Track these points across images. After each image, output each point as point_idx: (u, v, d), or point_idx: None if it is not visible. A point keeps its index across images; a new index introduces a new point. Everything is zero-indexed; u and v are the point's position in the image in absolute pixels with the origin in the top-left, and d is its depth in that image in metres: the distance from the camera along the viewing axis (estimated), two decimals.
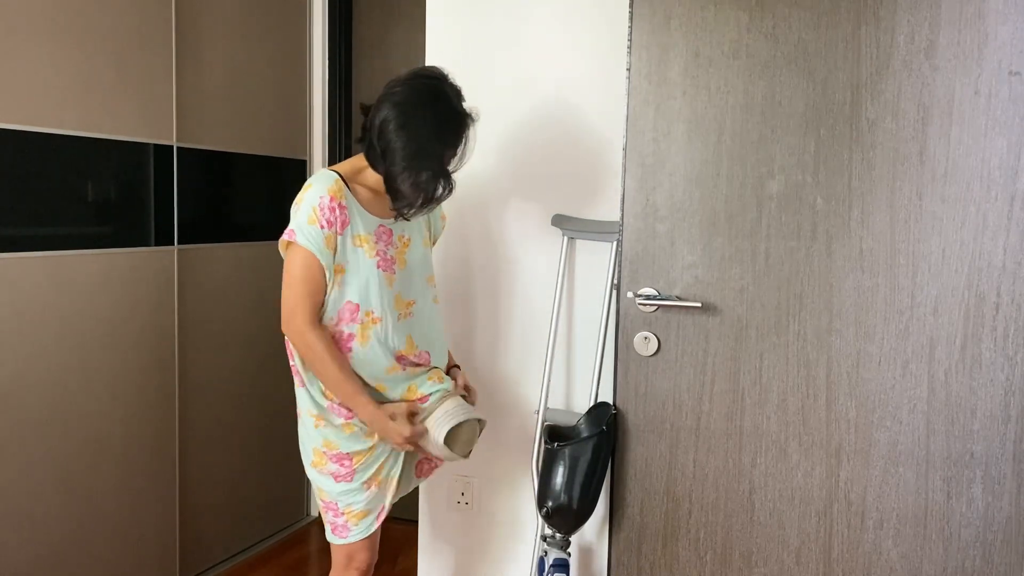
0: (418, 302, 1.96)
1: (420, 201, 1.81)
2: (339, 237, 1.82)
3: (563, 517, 1.93)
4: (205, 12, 2.80)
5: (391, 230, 1.91)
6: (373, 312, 1.87)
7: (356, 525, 1.93)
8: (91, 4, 2.38)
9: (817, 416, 1.76)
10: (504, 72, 2.32)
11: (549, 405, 2.33)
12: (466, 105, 1.84)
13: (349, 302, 1.85)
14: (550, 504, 1.92)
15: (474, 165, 2.38)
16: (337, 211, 1.80)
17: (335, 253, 1.82)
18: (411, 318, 1.95)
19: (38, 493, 2.31)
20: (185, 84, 2.72)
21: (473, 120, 1.84)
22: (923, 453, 1.69)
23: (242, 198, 3.04)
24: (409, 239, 1.96)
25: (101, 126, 2.43)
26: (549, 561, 2.03)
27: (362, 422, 1.89)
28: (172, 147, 2.69)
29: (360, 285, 1.85)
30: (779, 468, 1.79)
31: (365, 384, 1.88)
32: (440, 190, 1.82)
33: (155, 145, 2.62)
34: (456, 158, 1.84)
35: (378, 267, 1.86)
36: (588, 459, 1.91)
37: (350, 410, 1.88)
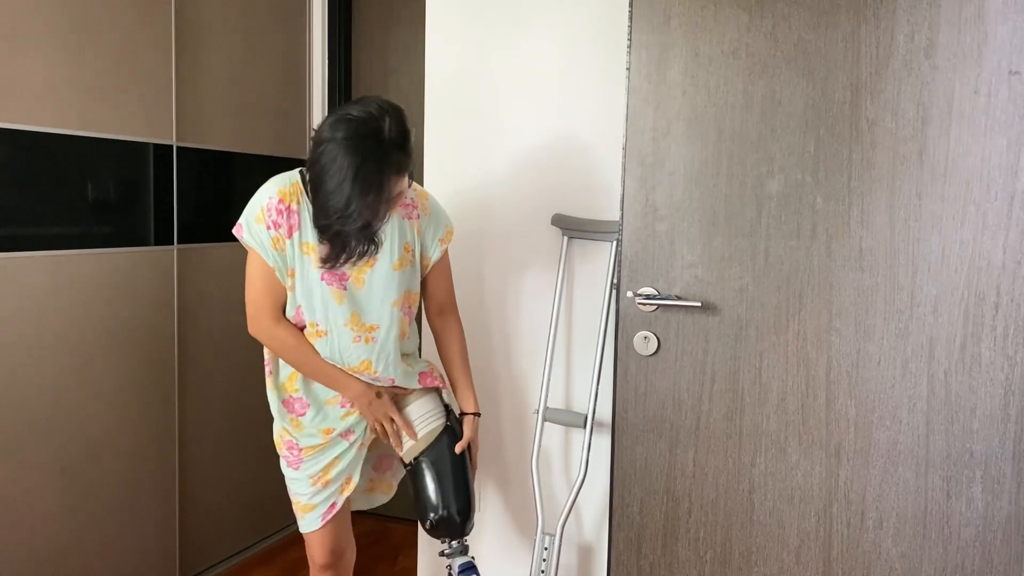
0: (380, 329, 1.83)
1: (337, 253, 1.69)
2: (287, 241, 1.75)
3: (448, 526, 1.90)
4: (205, 12, 2.80)
5: None
6: (318, 325, 1.80)
7: (302, 518, 1.94)
8: (91, 4, 2.38)
9: (817, 415, 1.75)
10: (503, 71, 2.32)
11: (549, 404, 2.33)
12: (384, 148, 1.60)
13: (300, 306, 1.81)
14: (432, 517, 1.89)
15: (473, 164, 2.38)
16: (285, 214, 1.73)
17: (285, 254, 1.76)
18: (373, 343, 1.83)
19: (38, 493, 2.31)
20: (185, 84, 2.72)
21: (384, 165, 1.60)
22: (923, 452, 1.69)
23: (242, 198, 3.04)
24: (376, 258, 1.80)
25: (101, 126, 2.43)
26: (456, 570, 1.93)
27: (334, 407, 1.90)
28: (172, 147, 2.69)
29: (304, 293, 1.79)
30: (779, 467, 1.79)
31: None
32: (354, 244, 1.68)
33: (155, 145, 2.62)
34: (366, 203, 1.60)
35: (322, 279, 1.77)
36: (448, 457, 1.91)
37: (302, 407, 1.91)
